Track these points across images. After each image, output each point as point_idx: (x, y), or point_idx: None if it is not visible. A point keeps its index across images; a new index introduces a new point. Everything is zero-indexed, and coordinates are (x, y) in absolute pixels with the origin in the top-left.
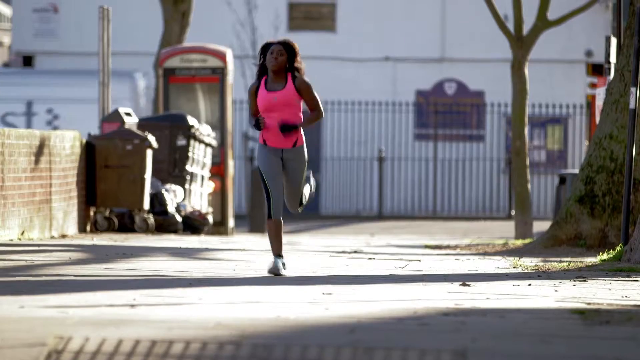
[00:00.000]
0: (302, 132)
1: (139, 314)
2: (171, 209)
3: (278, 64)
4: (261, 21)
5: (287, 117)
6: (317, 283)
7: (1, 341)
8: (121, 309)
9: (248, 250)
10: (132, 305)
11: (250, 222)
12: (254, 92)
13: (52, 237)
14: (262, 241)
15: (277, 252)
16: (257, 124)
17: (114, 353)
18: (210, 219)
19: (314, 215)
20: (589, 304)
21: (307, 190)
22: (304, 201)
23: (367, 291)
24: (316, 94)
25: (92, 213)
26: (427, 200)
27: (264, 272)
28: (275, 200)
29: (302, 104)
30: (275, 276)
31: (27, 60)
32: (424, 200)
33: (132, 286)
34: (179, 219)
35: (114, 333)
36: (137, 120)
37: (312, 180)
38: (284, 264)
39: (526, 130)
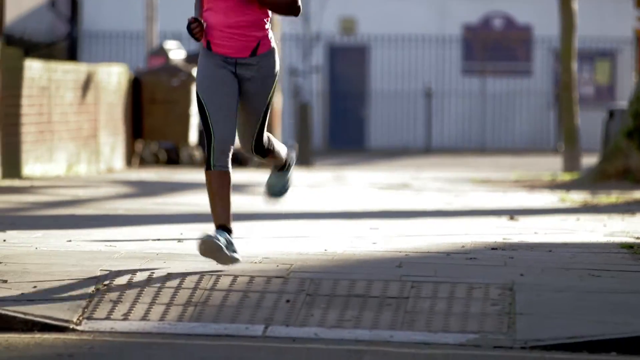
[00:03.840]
0: (270, 32)
1: (186, 248)
2: None
3: None
4: None
5: (250, 10)
6: (364, 218)
7: (49, 275)
8: (168, 243)
9: (295, 185)
10: (179, 240)
11: (296, 157)
12: None
13: (99, 172)
14: (308, 175)
15: (221, 222)
16: (190, 28)
17: (161, 287)
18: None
19: (360, 149)
20: (637, 238)
21: (281, 148)
22: (270, 147)
23: (415, 225)
24: None
25: (138, 147)
26: (474, 134)
27: (311, 207)
28: (219, 139)
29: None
30: (214, 253)
31: None
32: (471, 134)
33: (179, 220)
34: None
35: (161, 267)
36: (183, 55)
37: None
38: (229, 242)
39: (574, 65)
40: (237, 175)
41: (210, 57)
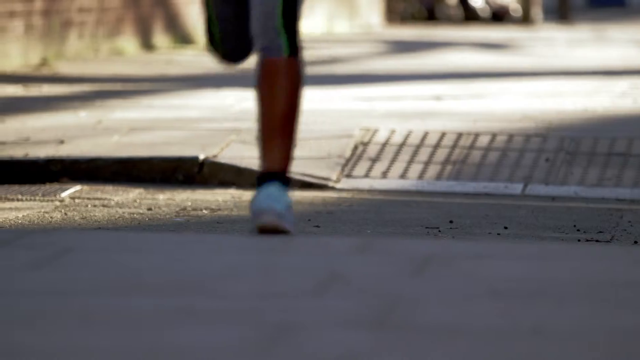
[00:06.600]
0: None
1: (444, 107)
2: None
3: None
4: None
5: None
6: (625, 75)
7: (307, 133)
8: (426, 102)
9: (554, 40)
10: (437, 98)
11: (557, 14)
12: None
13: (357, 29)
14: (567, 33)
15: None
16: None
17: (419, 145)
18: (515, 11)
19: (621, 6)
20: None
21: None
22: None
23: None
24: None
25: (398, 4)
26: None
27: (570, 64)
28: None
29: None
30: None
31: None
32: None
33: (437, 78)
34: (485, 10)
35: (419, 125)
36: None
37: None
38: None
39: None
40: (496, 33)
41: None
